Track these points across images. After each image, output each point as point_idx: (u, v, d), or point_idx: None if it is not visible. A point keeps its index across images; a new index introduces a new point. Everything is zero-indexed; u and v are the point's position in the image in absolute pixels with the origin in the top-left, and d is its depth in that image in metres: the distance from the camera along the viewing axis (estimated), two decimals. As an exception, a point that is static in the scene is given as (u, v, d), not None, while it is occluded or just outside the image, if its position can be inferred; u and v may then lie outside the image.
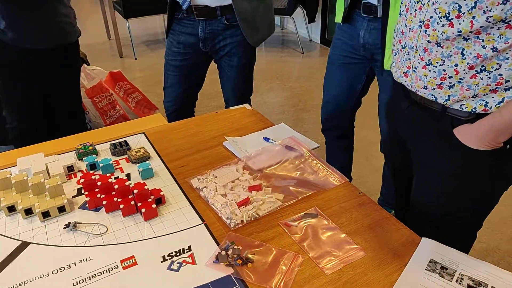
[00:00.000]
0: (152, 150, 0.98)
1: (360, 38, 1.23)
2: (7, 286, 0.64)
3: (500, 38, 0.65)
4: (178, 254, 0.69)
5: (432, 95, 0.76)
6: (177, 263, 0.67)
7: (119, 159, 0.95)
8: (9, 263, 0.68)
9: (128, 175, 0.90)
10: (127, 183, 0.78)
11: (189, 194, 0.83)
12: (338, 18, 1.29)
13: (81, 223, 0.76)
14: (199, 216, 0.77)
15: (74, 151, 0.98)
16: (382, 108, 1.31)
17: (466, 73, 0.70)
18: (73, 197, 0.83)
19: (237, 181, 0.85)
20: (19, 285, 0.64)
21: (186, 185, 0.86)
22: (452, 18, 0.67)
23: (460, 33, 0.67)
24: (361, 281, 0.64)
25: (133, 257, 0.68)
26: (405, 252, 0.69)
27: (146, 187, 0.78)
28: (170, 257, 0.68)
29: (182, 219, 0.76)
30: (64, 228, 0.75)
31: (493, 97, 0.70)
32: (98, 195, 0.79)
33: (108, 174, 0.83)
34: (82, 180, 0.81)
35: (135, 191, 0.77)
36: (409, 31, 0.76)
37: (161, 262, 0.67)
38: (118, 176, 0.89)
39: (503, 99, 0.69)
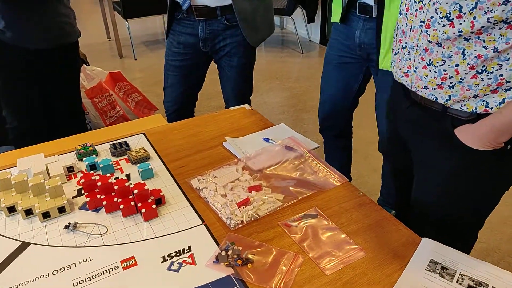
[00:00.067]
0: (152, 151, 0.98)
1: (356, 38, 1.24)
2: (7, 287, 0.64)
3: (501, 38, 0.65)
4: (178, 254, 0.69)
5: (432, 95, 0.76)
6: (177, 263, 0.67)
7: (119, 160, 0.95)
8: (9, 264, 0.68)
9: (128, 176, 0.90)
10: (127, 184, 0.78)
11: (189, 195, 0.83)
12: (335, 18, 1.29)
13: (81, 223, 0.76)
14: (199, 217, 0.77)
15: (74, 152, 0.98)
16: (379, 108, 1.31)
17: (467, 73, 0.70)
18: (73, 197, 0.83)
19: (237, 182, 0.85)
20: (19, 285, 0.64)
21: (186, 186, 0.86)
22: (453, 18, 0.67)
23: (461, 34, 0.67)
24: (361, 281, 0.64)
25: (133, 257, 0.68)
26: (406, 253, 0.69)
27: (146, 187, 0.77)
28: (170, 258, 0.68)
29: (182, 220, 0.76)
30: (64, 228, 0.75)
31: (493, 98, 0.70)
32: (98, 196, 0.79)
33: (108, 175, 0.83)
34: (82, 180, 0.80)
35: (135, 191, 0.77)
36: (410, 31, 0.76)
37: (161, 262, 0.67)
38: (118, 177, 0.89)
39: (503, 99, 0.69)
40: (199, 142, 1.02)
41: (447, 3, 0.67)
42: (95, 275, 0.65)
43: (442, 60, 0.72)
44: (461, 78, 0.71)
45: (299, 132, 1.05)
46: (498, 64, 0.67)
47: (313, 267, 0.66)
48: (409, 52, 0.78)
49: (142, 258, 0.68)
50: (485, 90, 0.70)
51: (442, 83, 0.73)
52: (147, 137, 1.05)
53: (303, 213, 0.77)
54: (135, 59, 3.44)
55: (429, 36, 0.71)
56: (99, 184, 0.79)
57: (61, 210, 0.78)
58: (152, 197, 0.78)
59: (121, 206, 0.76)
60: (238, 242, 0.70)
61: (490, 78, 0.68)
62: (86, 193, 0.80)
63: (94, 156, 0.94)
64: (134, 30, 3.85)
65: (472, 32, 0.66)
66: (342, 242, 0.71)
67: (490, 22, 0.64)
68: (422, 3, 0.72)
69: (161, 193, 0.80)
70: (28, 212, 0.77)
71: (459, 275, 0.64)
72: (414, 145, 0.88)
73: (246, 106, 1.21)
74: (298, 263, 0.67)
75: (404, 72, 0.81)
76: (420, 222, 0.89)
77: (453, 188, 0.82)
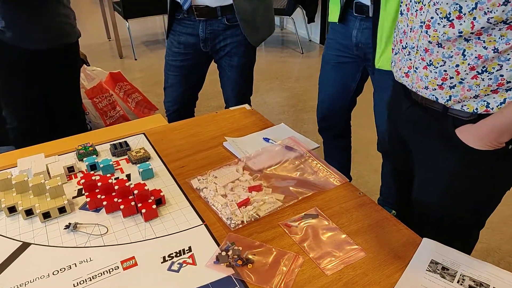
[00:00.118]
0: (152, 151, 0.98)
1: (353, 38, 1.24)
2: (8, 287, 0.64)
3: (501, 39, 0.65)
4: (178, 254, 0.69)
5: (433, 95, 0.76)
6: (178, 263, 0.67)
7: (119, 160, 0.95)
8: (9, 264, 0.68)
9: (128, 176, 0.90)
10: (127, 184, 0.78)
11: (189, 195, 0.83)
12: (332, 17, 1.30)
13: (82, 223, 0.76)
14: (199, 217, 0.77)
15: (75, 152, 0.98)
16: (377, 107, 1.32)
17: (467, 73, 0.70)
18: (74, 197, 0.83)
19: (237, 182, 0.85)
20: (20, 286, 0.64)
21: (186, 186, 0.86)
22: (453, 19, 0.67)
23: (461, 34, 0.67)
24: (362, 281, 0.64)
25: (133, 257, 0.68)
26: (406, 253, 0.68)
27: (146, 187, 0.77)
28: (170, 258, 0.68)
29: (182, 220, 0.76)
30: (64, 228, 0.75)
31: (494, 98, 0.70)
32: (99, 196, 0.79)
33: (108, 175, 0.83)
34: (83, 180, 0.80)
35: (135, 191, 0.77)
36: (410, 31, 0.76)
37: (162, 262, 0.67)
38: (118, 177, 0.89)
39: (504, 99, 0.69)
40: (199, 142, 1.02)
41: (447, 3, 0.67)
42: (96, 275, 0.65)
43: (443, 60, 0.71)
44: (461, 79, 0.71)
45: (299, 132, 1.05)
46: (499, 64, 0.67)
47: (314, 267, 0.66)
48: (409, 52, 0.78)
49: (143, 259, 0.68)
50: (485, 90, 0.70)
51: (442, 83, 0.73)
52: (147, 137, 1.05)
53: (303, 213, 0.77)
54: (135, 59, 3.44)
55: (429, 36, 0.71)
56: (99, 184, 0.79)
57: (62, 210, 0.78)
58: (152, 197, 0.78)
59: (122, 206, 0.76)
60: (238, 243, 0.70)
61: (491, 79, 0.68)
62: (87, 193, 0.80)
63: (94, 156, 0.94)
64: (134, 30, 3.85)
65: (472, 33, 0.66)
66: (342, 242, 0.71)
67: (490, 23, 0.64)
68: (422, 3, 0.72)
69: (162, 193, 0.80)
70: (29, 212, 0.77)
71: (460, 275, 0.64)
72: (414, 145, 0.88)
73: (246, 106, 1.21)
74: (298, 264, 0.66)
75: (404, 73, 0.81)
76: (420, 222, 0.89)
77: (453, 188, 0.82)
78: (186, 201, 0.81)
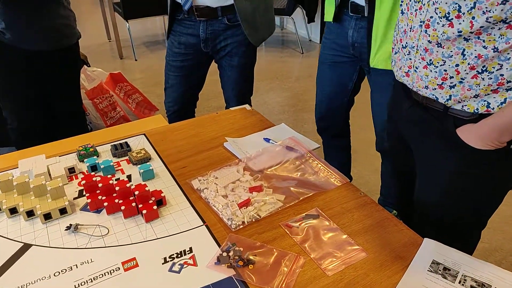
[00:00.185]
0: (152, 151, 0.98)
1: (349, 37, 1.24)
2: (8, 289, 0.64)
3: (501, 38, 0.65)
4: (179, 255, 0.69)
5: (433, 95, 0.76)
6: (179, 264, 0.67)
7: (120, 161, 0.95)
8: (11, 265, 0.68)
9: (129, 177, 0.90)
10: (128, 185, 0.78)
11: (190, 196, 0.83)
12: (328, 17, 1.30)
13: (83, 225, 0.76)
14: (200, 218, 0.77)
15: (75, 153, 0.98)
16: (375, 107, 1.32)
17: (467, 73, 0.70)
18: (74, 199, 0.83)
19: (238, 182, 0.85)
20: (21, 287, 0.64)
21: (187, 186, 0.86)
22: (452, 18, 0.67)
23: (460, 34, 0.67)
24: (363, 282, 0.64)
25: (134, 259, 0.68)
26: (407, 253, 0.68)
27: (147, 188, 0.77)
28: (171, 259, 0.68)
29: (183, 221, 0.76)
30: (65, 230, 0.75)
31: (494, 98, 0.70)
32: (99, 197, 0.79)
33: (109, 176, 0.83)
34: (83, 181, 0.81)
35: (136, 192, 0.77)
36: (410, 30, 0.76)
37: (163, 263, 0.67)
38: (119, 178, 0.89)
39: (505, 99, 0.69)
40: (200, 142, 1.02)
41: (446, 3, 0.67)
42: (97, 276, 0.65)
43: (442, 60, 0.71)
44: (461, 78, 0.71)
45: (300, 132, 1.05)
46: (499, 64, 0.67)
47: (315, 268, 0.66)
48: (409, 52, 0.78)
49: (144, 260, 0.68)
50: (486, 90, 0.69)
51: (442, 83, 0.73)
52: (147, 137, 1.05)
53: (304, 214, 0.77)
54: (136, 60, 3.44)
55: (429, 36, 0.71)
56: (100, 185, 0.79)
57: (63, 211, 0.78)
58: (153, 198, 0.78)
59: (122, 207, 0.76)
60: (239, 243, 0.70)
61: (491, 78, 0.68)
62: (87, 194, 0.80)
63: (95, 157, 0.94)
64: (134, 31, 3.85)
65: (471, 32, 0.66)
66: (343, 242, 0.71)
67: (490, 22, 0.64)
68: (422, 3, 0.72)
69: (162, 194, 0.80)
70: (30, 214, 0.77)
71: (462, 276, 0.64)
72: (415, 145, 0.88)
73: (247, 106, 1.21)
74: (299, 264, 0.66)
75: (405, 72, 0.81)
76: (420, 222, 0.89)
77: (454, 187, 0.82)
78: (187, 201, 0.81)
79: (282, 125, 1.10)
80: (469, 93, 0.71)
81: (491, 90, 0.69)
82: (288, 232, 0.73)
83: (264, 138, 1.02)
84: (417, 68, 0.77)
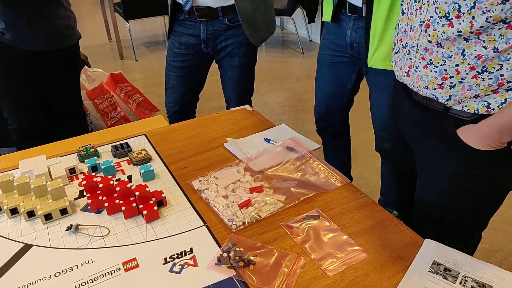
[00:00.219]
0: (153, 152, 0.99)
1: (347, 38, 1.24)
2: (9, 289, 0.64)
3: (501, 38, 0.65)
4: (180, 256, 0.69)
5: (433, 94, 0.76)
6: (179, 265, 0.67)
7: (121, 161, 0.95)
8: (11, 266, 0.68)
9: (129, 177, 0.90)
10: (128, 185, 0.78)
11: (190, 196, 0.83)
12: (326, 17, 1.30)
13: (83, 225, 0.76)
14: (200, 218, 0.77)
15: (76, 153, 0.98)
16: (373, 107, 1.32)
17: (467, 73, 0.70)
18: (75, 199, 0.83)
19: (238, 183, 0.85)
20: (22, 287, 0.64)
21: (188, 187, 0.86)
22: (452, 18, 0.67)
23: (460, 33, 0.67)
24: (364, 283, 0.64)
25: (135, 259, 0.68)
26: (408, 254, 0.68)
27: (147, 189, 0.77)
28: (172, 259, 0.68)
29: (183, 221, 0.76)
30: (66, 230, 0.75)
31: (494, 98, 0.70)
32: (100, 197, 0.79)
33: (109, 176, 0.83)
34: (84, 182, 0.81)
35: (137, 193, 0.77)
36: (410, 30, 0.76)
37: (163, 264, 0.67)
38: (119, 178, 0.89)
39: (505, 99, 0.69)
40: (200, 143, 1.02)
41: (446, 2, 0.67)
42: (97, 277, 0.65)
43: (442, 60, 0.71)
44: (461, 78, 0.71)
45: (300, 133, 1.05)
46: (499, 64, 0.67)
47: (315, 268, 0.66)
48: (409, 51, 0.78)
49: (144, 260, 0.68)
50: (486, 90, 0.69)
51: (442, 83, 0.73)
52: (148, 138, 1.05)
53: (304, 214, 0.77)
54: (136, 60, 3.44)
55: (429, 36, 0.71)
56: (100, 185, 0.79)
57: (63, 212, 0.78)
58: (153, 199, 0.78)
59: (123, 208, 0.76)
60: (239, 244, 0.70)
61: (491, 78, 0.68)
62: (88, 195, 0.80)
63: (95, 157, 0.94)
64: (134, 31, 3.86)
65: (471, 32, 0.66)
66: (344, 243, 0.71)
67: (489, 22, 0.64)
68: (422, 2, 0.72)
69: (163, 195, 0.80)
70: (30, 214, 0.77)
71: (462, 276, 0.64)
72: (416, 145, 0.88)
73: (247, 107, 1.21)
74: (300, 265, 0.66)
75: (405, 72, 0.81)
76: (420, 222, 0.89)
77: (454, 188, 0.82)
78: (187, 202, 0.81)
79: (283, 125, 1.10)
80: (469, 93, 0.71)
81: (491, 91, 0.69)
82: (288, 232, 0.73)
83: (264, 139, 1.02)
84: (417, 68, 0.77)
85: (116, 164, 0.94)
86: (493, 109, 0.70)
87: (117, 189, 0.78)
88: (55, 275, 0.66)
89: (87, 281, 0.65)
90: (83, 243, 0.72)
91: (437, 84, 0.74)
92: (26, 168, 0.88)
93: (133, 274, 0.66)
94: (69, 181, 0.89)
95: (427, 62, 0.74)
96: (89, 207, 0.80)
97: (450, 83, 0.72)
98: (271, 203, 0.79)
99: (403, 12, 0.79)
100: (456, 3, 0.65)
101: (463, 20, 0.66)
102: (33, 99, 1.45)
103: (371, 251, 0.69)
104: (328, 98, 1.42)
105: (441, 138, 0.79)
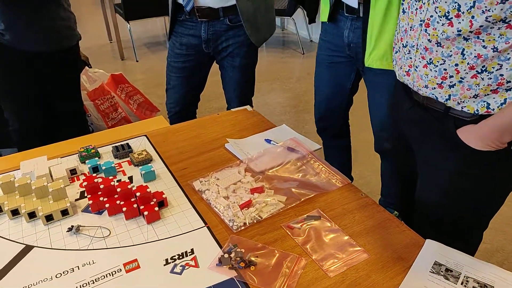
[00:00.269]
0: (154, 153, 0.99)
1: (345, 38, 1.24)
2: (10, 290, 0.64)
3: (501, 38, 0.65)
4: (181, 257, 0.69)
5: (433, 94, 0.76)
6: (180, 266, 0.67)
7: (122, 162, 0.95)
8: (13, 267, 0.68)
9: (130, 178, 0.90)
10: (129, 186, 0.78)
11: (191, 197, 0.83)
12: (323, 17, 1.30)
13: (84, 226, 0.76)
14: (201, 219, 0.77)
15: (77, 154, 0.98)
16: (371, 107, 1.32)
17: (467, 73, 0.70)
18: (76, 200, 0.83)
19: (239, 183, 0.85)
20: (23, 289, 0.64)
21: (189, 188, 0.86)
22: (452, 18, 0.67)
23: (460, 33, 0.67)
24: (365, 283, 0.64)
25: (136, 260, 0.68)
26: (409, 254, 0.68)
27: (148, 190, 0.78)
28: (173, 260, 0.68)
29: (184, 222, 0.76)
30: (67, 231, 0.75)
31: (494, 98, 0.70)
32: (101, 198, 0.79)
33: (110, 177, 0.83)
34: (85, 183, 0.81)
35: (138, 194, 0.77)
36: (410, 29, 0.76)
37: (164, 265, 0.67)
38: (120, 179, 0.89)
39: (505, 99, 0.69)
40: (201, 144, 1.02)
41: (445, 2, 0.67)
42: (98, 278, 0.65)
43: (442, 59, 0.71)
44: (461, 78, 0.71)
45: (301, 133, 1.05)
46: (499, 64, 0.67)
47: (316, 269, 0.66)
48: (409, 51, 0.78)
49: (145, 261, 0.68)
50: (485, 90, 0.69)
51: (442, 82, 0.73)
52: (149, 139, 1.05)
53: (305, 215, 0.77)
54: (137, 61, 3.45)
55: (429, 35, 0.71)
56: (101, 186, 0.79)
57: (64, 213, 0.78)
58: (154, 200, 0.78)
59: (124, 209, 0.76)
60: (240, 245, 0.70)
61: (491, 78, 0.68)
62: (89, 196, 0.81)
63: (96, 158, 0.94)
64: (135, 32, 3.86)
65: (471, 32, 0.66)
66: (345, 244, 0.71)
67: (489, 21, 0.64)
68: (422, 2, 0.72)
69: (164, 196, 0.80)
70: (32, 215, 0.77)
71: (464, 277, 0.64)
72: (416, 145, 0.88)
73: (248, 107, 1.21)
74: (301, 265, 0.66)
75: (405, 71, 0.81)
76: (420, 222, 0.88)
77: (454, 188, 0.82)
78: (188, 203, 0.81)
79: (283, 126, 1.10)
80: (468, 92, 0.71)
81: (491, 90, 0.69)
82: (289, 233, 0.73)
83: (265, 139, 1.02)
84: (417, 67, 0.77)
85: (117, 165, 0.94)
86: (493, 109, 0.70)
87: (118, 190, 0.78)
88: (56, 276, 0.66)
89: (88, 282, 0.65)
90: (84, 244, 0.72)
91: (437, 84, 0.74)
92: (27, 169, 0.88)
93: (134, 275, 0.66)
94: (70, 182, 0.89)
95: (427, 62, 0.74)
96: (90, 208, 0.80)
97: (450, 82, 0.72)
98: (272, 204, 0.79)
99: (404, 12, 0.79)
100: (456, 2, 0.65)
101: (462, 20, 0.66)
102: (33, 99, 1.45)
103: (372, 251, 0.69)
104: (327, 98, 1.42)
105: (441, 138, 0.79)
